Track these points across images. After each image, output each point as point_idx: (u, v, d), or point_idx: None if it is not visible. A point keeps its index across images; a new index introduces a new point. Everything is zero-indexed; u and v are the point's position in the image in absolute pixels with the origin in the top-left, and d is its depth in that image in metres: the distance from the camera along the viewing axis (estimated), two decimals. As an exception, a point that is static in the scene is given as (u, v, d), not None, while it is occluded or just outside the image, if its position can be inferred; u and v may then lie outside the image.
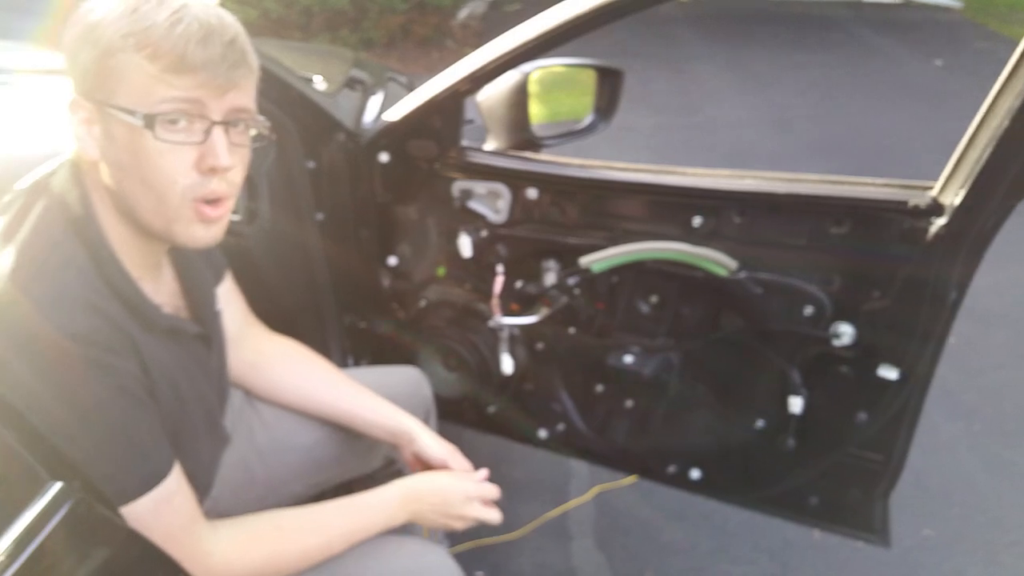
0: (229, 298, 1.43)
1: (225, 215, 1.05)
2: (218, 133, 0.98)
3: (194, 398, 1.18)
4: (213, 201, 1.02)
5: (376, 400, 1.50)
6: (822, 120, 5.93)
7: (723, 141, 5.53)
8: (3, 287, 0.95)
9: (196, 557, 1.09)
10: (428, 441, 1.45)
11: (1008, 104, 1.23)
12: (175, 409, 1.12)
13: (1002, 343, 3.26)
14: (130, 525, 0.99)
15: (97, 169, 1.01)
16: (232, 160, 1.00)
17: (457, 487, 1.35)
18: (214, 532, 1.14)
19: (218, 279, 1.38)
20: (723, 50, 8.01)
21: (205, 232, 1.03)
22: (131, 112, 0.94)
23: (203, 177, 0.99)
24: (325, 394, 1.50)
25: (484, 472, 1.42)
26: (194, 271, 1.24)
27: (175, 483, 1.08)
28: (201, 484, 1.21)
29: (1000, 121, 1.24)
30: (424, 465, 1.45)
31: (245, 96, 1.02)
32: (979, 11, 9.23)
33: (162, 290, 1.15)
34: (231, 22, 0.99)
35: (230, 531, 1.17)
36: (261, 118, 1.07)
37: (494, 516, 1.38)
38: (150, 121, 0.94)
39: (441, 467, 1.43)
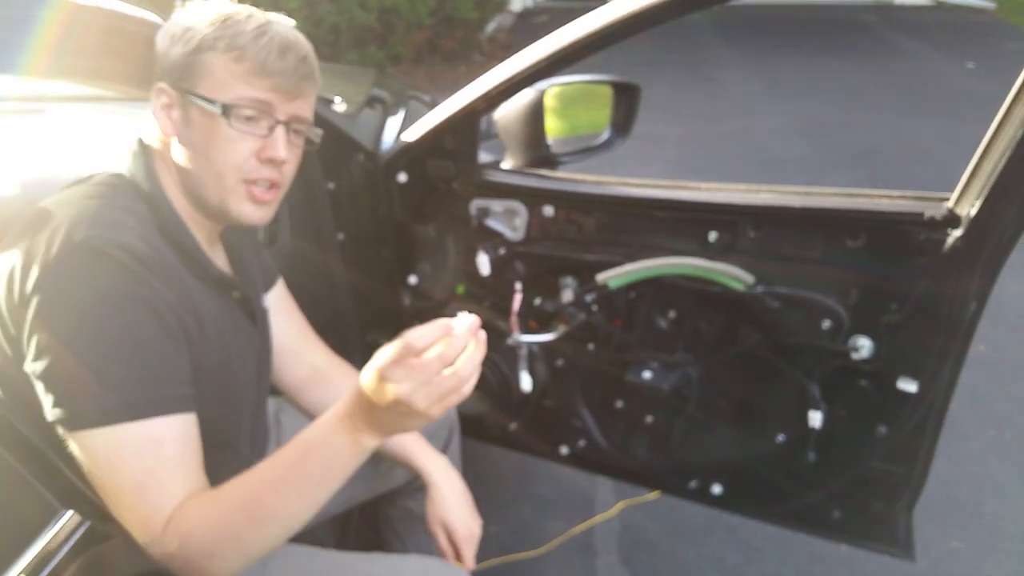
0: (286, 308, 1.53)
1: (274, 200, 1.20)
2: (280, 131, 1.15)
3: (241, 363, 1.26)
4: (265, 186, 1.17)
5: (414, 439, 1.52)
6: (853, 126, 5.90)
7: (753, 150, 5.52)
8: (62, 210, 1.06)
9: (150, 519, 1.00)
10: (448, 499, 1.46)
11: (1023, 114, 1.22)
12: (223, 360, 1.18)
13: (1035, 351, 3.20)
14: (109, 457, 0.97)
15: (165, 151, 1.17)
16: (289, 156, 1.16)
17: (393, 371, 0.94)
18: (192, 499, 1.03)
19: (268, 284, 1.48)
20: (751, 58, 7.99)
21: (254, 210, 1.18)
22: (212, 101, 1.11)
23: (260, 164, 1.15)
24: None
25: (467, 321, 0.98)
26: (245, 263, 1.35)
27: (176, 433, 1.04)
28: (230, 469, 1.10)
29: (1015, 131, 1.23)
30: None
31: (307, 106, 1.20)
32: (1012, 11, 9.11)
33: (216, 258, 1.25)
34: (305, 42, 1.17)
35: (203, 499, 1.04)
36: (317, 129, 1.25)
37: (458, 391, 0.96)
38: (227, 111, 1.11)
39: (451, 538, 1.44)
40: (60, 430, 1.01)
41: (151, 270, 1.04)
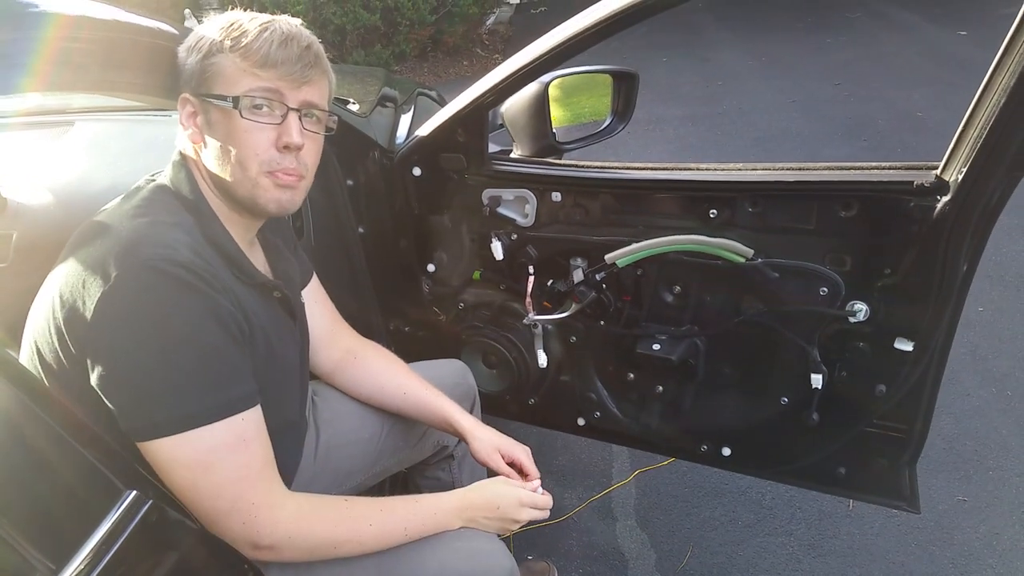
0: (318, 299, 1.63)
1: (300, 185, 1.27)
2: (293, 117, 1.22)
3: (284, 357, 1.35)
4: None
5: (446, 400, 1.63)
6: (849, 99, 5.92)
7: (751, 128, 5.56)
8: (114, 230, 1.12)
9: (267, 505, 1.15)
10: (488, 443, 1.57)
11: (1004, 82, 1.26)
12: (269, 362, 1.26)
13: (1034, 309, 3.25)
14: (203, 462, 1.07)
15: (200, 158, 1.25)
16: (303, 140, 1.23)
17: (511, 497, 1.42)
18: (289, 494, 1.21)
19: (305, 279, 1.58)
20: (746, 37, 7.99)
21: (283, 195, 1.25)
22: (223, 98, 1.18)
23: (279, 154, 1.22)
24: (403, 389, 1.64)
25: (537, 482, 1.51)
26: (283, 260, 1.45)
27: (256, 427, 1.16)
28: (289, 451, 1.37)
29: (998, 97, 1.27)
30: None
31: (317, 93, 1.26)
32: (1005, -23, 9.04)
33: (256, 261, 1.34)
34: (308, 34, 1.24)
35: (303, 498, 1.24)
36: (333, 116, 1.32)
37: (544, 514, 1.47)
38: (237, 102, 1.17)
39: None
40: (139, 442, 1.08)
41: (207, 282, 1.11)
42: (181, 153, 1.27)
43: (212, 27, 1.21)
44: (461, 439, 1.62)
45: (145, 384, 1.06)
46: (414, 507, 1.33)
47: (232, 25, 1.20)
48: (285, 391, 1.38)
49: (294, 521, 1.18)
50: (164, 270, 1.07)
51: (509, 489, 1.44)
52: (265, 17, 1.22)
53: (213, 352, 1.11)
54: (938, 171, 1.42)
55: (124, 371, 1.06)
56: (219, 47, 1.19)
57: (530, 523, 1.47)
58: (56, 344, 1.10)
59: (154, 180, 1.26)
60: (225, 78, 1.19)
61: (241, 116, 1.18)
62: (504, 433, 1.59)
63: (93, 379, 1.06)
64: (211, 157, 1.23)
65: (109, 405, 1.07)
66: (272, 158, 1.21)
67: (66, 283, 1.08)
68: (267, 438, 1.19)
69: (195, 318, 1.09)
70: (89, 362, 1.06)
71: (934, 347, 1.53)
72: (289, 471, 1.44)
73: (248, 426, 1.14)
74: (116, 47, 1.31)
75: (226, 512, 1.13)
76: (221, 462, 1.11)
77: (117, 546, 0.90)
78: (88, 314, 1.04)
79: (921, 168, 1.46)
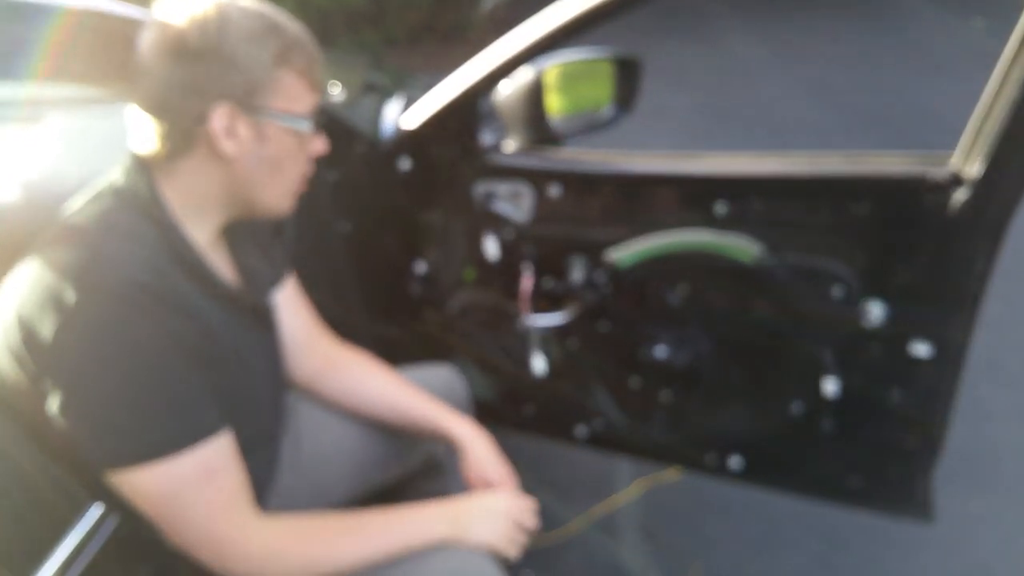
0: (295, 302, 1.53)
1: None
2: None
3: (256, 369, 1.29)
4: None
5: (438, 407, 1.54)
6: (863, 90, 5.83)
7: (761, 117, 5.47)
8: (72, 246, 1.05)
9: (236, 540, 1.12)
10: (481, 456, 1.47)
11: (1020, 73, 1.23)
12: (240, 377, 1.21)
13: (1053, 311, 3.17)
14: (167, 493, 1.04)
15: (160, 162, 1.13)
16: None
17: (505, 508, 1.33)
18: (259, 520, 1.16)
19: (278, 278, 1.46)
20: (757, 23, 7.90)
21: (292, 202, 1.25)
22: (296, 118, 1.15)
23: (308, 163, 1.23)
24: (390, 398, 1.56)
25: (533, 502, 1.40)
26: (250, 256, 1.35)
27: (222, 455, 1.11)
28: (263, 466, 1.31)
29: (1016, 90, 1.23)
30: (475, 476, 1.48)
31: None
32: (1022, -36, 8.97)
33: (220, 261, 1.26)
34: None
35: (275, 523, 1.18)
36: None
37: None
38: (311, 123, 1.17)
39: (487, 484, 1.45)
40: (104, 471, 1.04)
41: (166, 304, 1.05)
42: (136, 156, 1.15)
43: (248, 25, 1.09)
44: (454, 449, 1.52)
45: (105, 414, 1.02)
46: (397, 517, 1.27)
47: (275, 29, 1.11)
48: (259, 404, 1.33)
49: (265, 551, 1.14)
50: (123, 295, 1.01)
51: (504, 501, 1.35)
52: (285, 16, 1.14)
53: (175, 381, 1.06)
54: (953, 165, 1.38)
55: (83, 400, 1.02)
56: (283, 57, 1.11)
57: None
58: (16, 363, 1.05)
59: (112, 184, 1.16)
60: (288, 94, 1.13)
61: (311, 136, 1.19)
62: (500, 445, 1.49)
63: (53, 405, 1.02)
64: (250, 171, 1.15)
65: (72, 435, 1.03)
66: (309, 168, 1.24)
67: (24, 304, 1.03)
68: (236, 465, 1.15)
69: (156, 346, 1.04)
70: (48, 387, 1.02)
71: (952, 350, 1.48)
72: (265, 486, 1.38)
73: (214, 455, 1.10)
74: (92, 36, 1.24)
75: (196, 544, 1.10)
76: (186, 495, 1.07)
77: (83, 561, 0.91)
78: (47, 340, 1.00)
79: (935, 160, 1.42)
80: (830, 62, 6.47)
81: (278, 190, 1.20)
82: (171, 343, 1.05)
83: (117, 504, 0.97)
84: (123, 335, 1.01)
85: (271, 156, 1.15)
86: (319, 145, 1.23)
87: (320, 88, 1.17)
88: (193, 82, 1.07)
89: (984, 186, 1.32)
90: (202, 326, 1.12)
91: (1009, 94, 1.24)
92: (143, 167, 1.14)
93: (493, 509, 1.32)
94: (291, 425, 1.56)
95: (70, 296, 0.99)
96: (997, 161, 1.29)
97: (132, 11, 1.31)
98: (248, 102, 1.10)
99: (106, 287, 1.01)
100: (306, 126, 1.16)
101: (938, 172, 1.37)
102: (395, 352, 1.98)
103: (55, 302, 0.99)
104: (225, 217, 1.21)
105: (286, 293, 1.49)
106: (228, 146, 1.11)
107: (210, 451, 1.09)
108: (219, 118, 1.09)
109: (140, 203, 1.12)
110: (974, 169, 1.32)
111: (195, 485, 1.07)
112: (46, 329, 0.99)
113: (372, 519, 1.26)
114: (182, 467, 1.05)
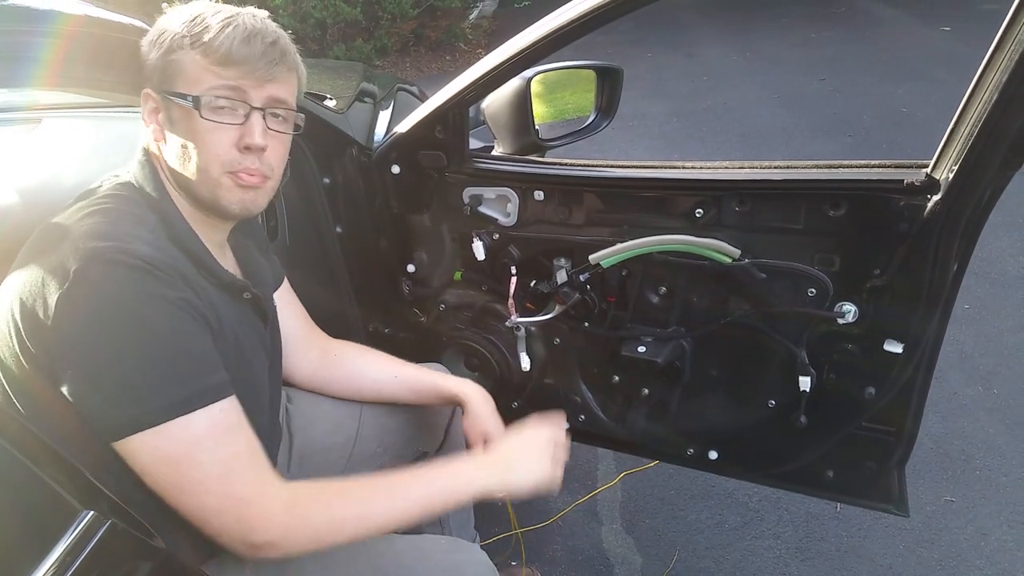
0: (290, 302, 1.58)
1: (265, 186, 1.22)
2: (256, 117, 1.17)
3: (255, 361, 1.29)
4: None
5: (436, 372, 1.65)
6: (833, 95, 5.93)
7: (735, 123, 5.55)
8: (82, 229, 1.06)
9: (255, 500, 1.08)
10: (481, 412, 1.56)
11: (995, 79, 1.24)
12: (239, 365, 1.19)
13: (1019, 305, 3.26)
14: (181, 457, 1.01)
15: (163, 156, 1.20)
16: (266, 141, 1.18)
17: (535, 437, 1.37)
18: (279, 480, 1.13)
19: (277, 283, 1.54)
20: (730, 33, 8.00)
21: (246, 196, 1.20)
22: (184, 96, 1.13)
23: (241, 155, 1.17)
24: (392, 372, 1.64)
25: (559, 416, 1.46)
26: (255, 263, 1.39)
27: (237, 415, 1.10)
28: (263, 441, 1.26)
29: (988, 95, 1.25)
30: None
31: (284, 90, 1.20)
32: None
33: (226, 263, 1.28)
34: (274, 28, 1.19)
35: (296, 484, 1.16)
36: (299, 113, 1.26)
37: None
38: (197, 102, 1.13)
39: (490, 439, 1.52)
40: (116, 442, 1.02)
41: (171, 277, 1.06)
42: (145, 150, 1.22)
43: (174, 20, 1.16)
44: (460, 406, 1.60)
45: (117, 377, 1.00)
46: (429, 472, 1.23)
47: (195, 19, 1.14)
48: (256, 396, 1.31)
49: (289, 510, 1.10)
50: (125, 262, 1.02)
51: (531, 426, 1.40)
52: (230, 10, 1.16)
53: (186, 338, 1.06)
54: (928, 169, 1.39)
55: (93, 367, 1.00)
56: (180, 43, 1.13)
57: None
58: (19, 351, 1.03)
59: (118, 177, 1.21)
60: (186, 76, 1.14)
61: (201, 116, 1.13)
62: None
63: (63, 383, 1.00)
64: (172, 155, 1.18)
65: (81, 410, 1.01)
66: (234, 159, 1.17)
67: (25, 287, 1.02)
68: (248, 426, 1.12)
69: (162, 305, 1.04)
70: (56, 365, 1.00)
71: (924, 348, 1.51)
72: None
73: (230, 415, 1.09)
74: (86, 43, 1.27)
75: (216, 510, 1.06)
76: (205, 455, 1.05)
77: (73, 569, 0.86)
78: (50, 315, 0.99)
79: (911, 166, 1.43)
80: (801, 70, 6.56)
81: (199, 178, 1.16)
82: (178, 304, 1.05)
83: (109, 511, 0.92)
84: (127, 296, 1.01)
85: (180, 139, 1.16)
86: (246, 134, 1.16)
87: (234, 65, 1.13)
88: (141, 71, 1.19)
89: (959, 190, 1.34)
90: (208, 304, 1.12)
91: (984, 100, 1.26)
92: (149, 160, 1.21)
93: (527, 443, 1.36)
94: (284, 422, 1.60)
95: (71, 267, 0.99)
96: (971, 166, 1.31)
97: (131, 19, 1.35)
98: (159, 86, 1.16)
99: (108, 256, 1.01)
100: (190, 103, 1.13)
101: (914, 176, 1.39)
102: (387, 351, 2.02)
103: (56, 276, 1.00)
104: (205, 214, 1.22)
105: (282, 293, 1.55)
106: (154, 128, 1.19)
107: (225, 411, 1.07)
108: (144, 100, 1.19)
109: (144, 193, 1.17)
110: (949, 174, 1.34)
111: (213, 444, 1.05)
112: (50, 302, 0.99)
113: (401, 477, 1.21)
114: (196, 427, 1.03)
